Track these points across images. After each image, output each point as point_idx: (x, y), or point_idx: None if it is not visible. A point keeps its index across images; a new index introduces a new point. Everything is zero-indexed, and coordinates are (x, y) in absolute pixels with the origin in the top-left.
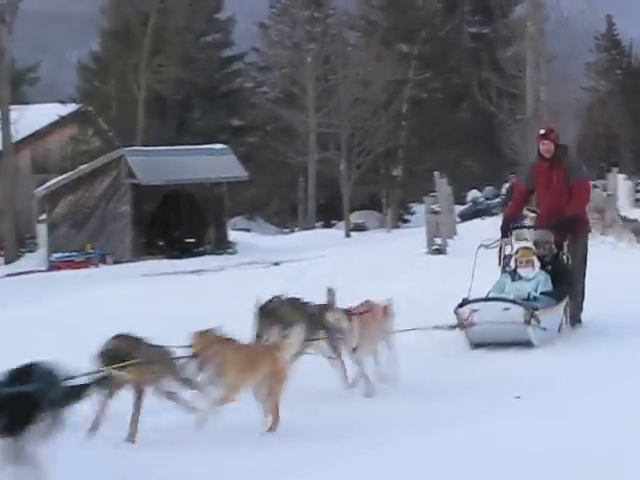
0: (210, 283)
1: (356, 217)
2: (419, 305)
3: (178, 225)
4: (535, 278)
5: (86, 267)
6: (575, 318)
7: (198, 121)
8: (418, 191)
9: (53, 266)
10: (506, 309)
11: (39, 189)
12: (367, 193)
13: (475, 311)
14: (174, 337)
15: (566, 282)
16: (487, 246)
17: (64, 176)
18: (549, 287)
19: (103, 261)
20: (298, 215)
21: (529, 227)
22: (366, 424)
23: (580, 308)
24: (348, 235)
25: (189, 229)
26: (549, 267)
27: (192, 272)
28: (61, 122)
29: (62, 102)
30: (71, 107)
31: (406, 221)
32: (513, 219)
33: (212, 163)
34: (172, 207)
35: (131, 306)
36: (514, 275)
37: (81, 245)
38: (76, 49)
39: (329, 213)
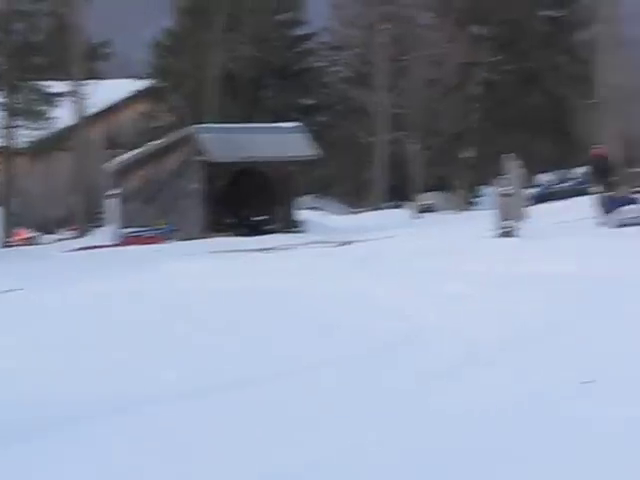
0: (278, 261)
1: (426, 198)
2: (489, 286)
3: (248, 203)
4: None
5: (156, 243)
6: None
7: (270, 99)
8: (489, 173)
9: (124, 241)
10: None
11: (110, 164)
12: (437, 174)
13: None
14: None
15: None
16: None
17: (136, 151)
18: None
19: (173, 237)
20: (368, 195)
21: None
22: None
23: None
24: (418, 216)
25: (259, 207)
26: None
27: (261, 250)
28: (134, 98)
29: (136, 78)
30: (145, 83)
31: (476, 203)
32: None
33: (283, 141)
34: (243, 185)
35: (198, 283)
36: None
37: (152, 221)
38: (151, 25)
39: (399, 194)
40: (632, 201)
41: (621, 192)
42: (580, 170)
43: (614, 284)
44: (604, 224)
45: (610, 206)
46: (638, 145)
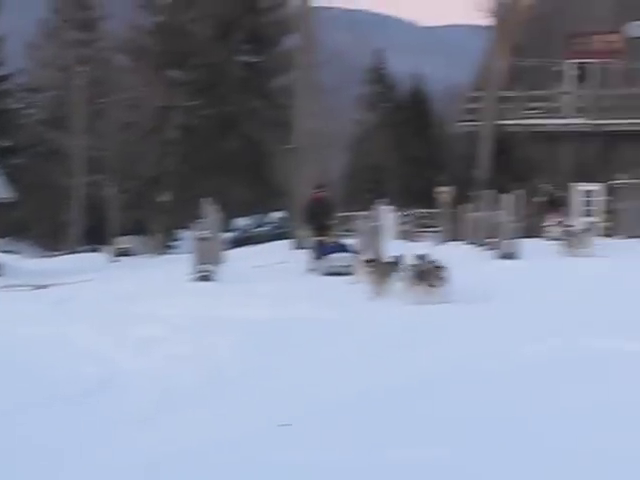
0: None
1: (123, 241)
2: (185, 330)
3: None
4: None
5: None
6: None
7: None
8: (186, 217)
9: None
10: None
11: None
12: (134, 218)
13: None
14: None
15: None
16: None
17: None
18: None
19: None
20: (65, 238)
21: None
22: None
23: None
24: (114, 260)
25: None
26: None
27: None
28: None
29: None
30: None
31: (173, 247)
32: None
33: None
34: None
35: None
36: None
37: None
38: None
39: (96, 237)
40: (343, 248)
41: (332, 238)
42: (277, 214)
43: (310, 327)
44: (313, 270)
45: (320, 252)
46: (334, 190)
